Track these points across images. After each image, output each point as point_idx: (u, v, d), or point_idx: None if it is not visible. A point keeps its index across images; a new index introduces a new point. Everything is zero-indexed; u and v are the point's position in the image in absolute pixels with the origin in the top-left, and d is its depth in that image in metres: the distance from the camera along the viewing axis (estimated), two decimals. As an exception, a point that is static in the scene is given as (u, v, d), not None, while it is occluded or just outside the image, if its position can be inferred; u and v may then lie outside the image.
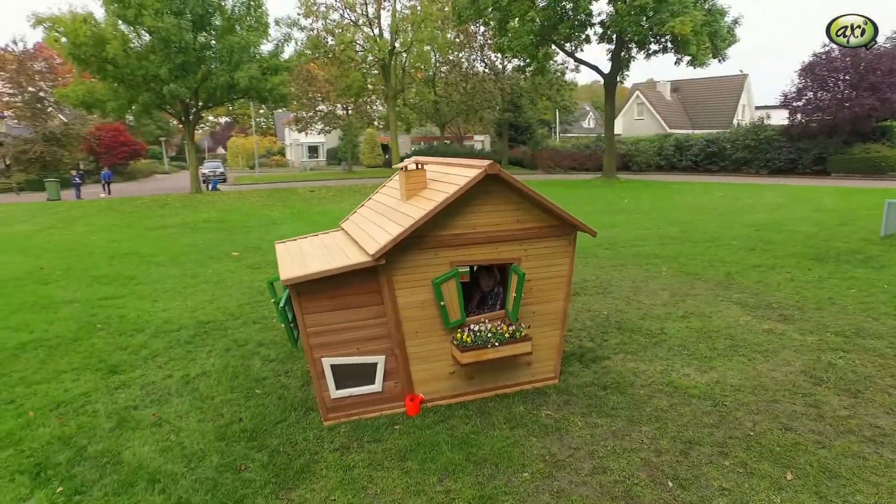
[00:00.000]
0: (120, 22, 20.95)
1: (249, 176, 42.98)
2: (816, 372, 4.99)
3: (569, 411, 4.49)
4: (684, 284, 7.95)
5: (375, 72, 28.42)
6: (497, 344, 4.50)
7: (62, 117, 38.04)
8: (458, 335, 4.51)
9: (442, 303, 4.44)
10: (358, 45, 26.82)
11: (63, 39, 19.99)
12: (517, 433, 4.17)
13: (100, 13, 21.76)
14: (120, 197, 26.17)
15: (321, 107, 41.55)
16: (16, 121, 36.75)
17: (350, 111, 41.87)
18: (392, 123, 29.85)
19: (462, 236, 4.49)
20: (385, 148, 54.28)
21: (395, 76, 28.79)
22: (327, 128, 42.20)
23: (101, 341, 6.36)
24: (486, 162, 4.39)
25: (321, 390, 4.42)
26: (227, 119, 73.15)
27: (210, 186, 29.78)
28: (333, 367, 4.40)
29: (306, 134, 47.88)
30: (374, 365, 4.50)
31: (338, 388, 4.44)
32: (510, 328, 4.59)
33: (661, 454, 3.82)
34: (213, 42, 22.76)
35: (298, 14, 25.46)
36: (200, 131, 73.34)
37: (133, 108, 23.43)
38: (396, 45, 27.19)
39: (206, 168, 37.11)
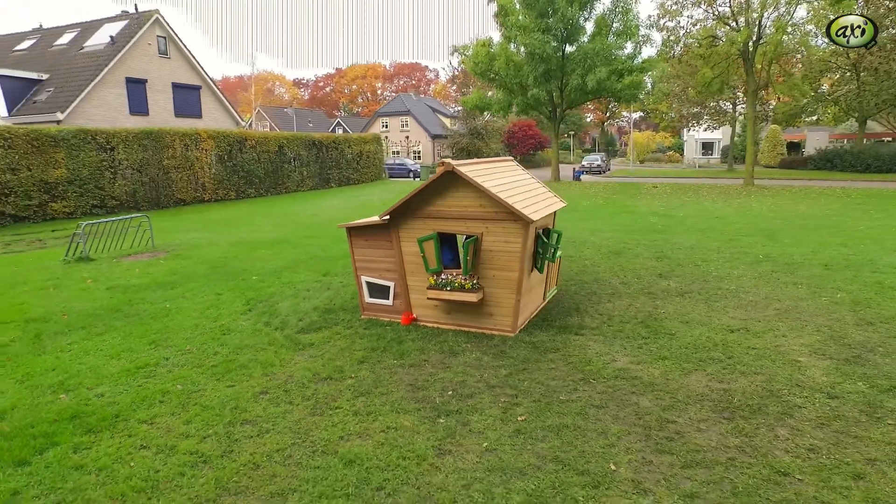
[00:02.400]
0: (508, 42, 26.75)
1: (624, 170, 45.31)
2: None
3: (484, 353, 6.00)
4: (818, 313, 6.96)
5: (734, 65, 26.33)
6: (449, 289, 6.38)
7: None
8: (430, 279, 6.58)
9: (422, 254, 6.59)
10: (716, 39, 25.55)
11: (464, 59, 27.24)
12: (432, 354, 6.10)
13: (497, 38, 28.10)
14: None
15: (712, 102, 39.96)
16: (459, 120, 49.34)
17: (739, 106, 38.85)
18: (749, 122, 27.08)
19: (442, 212, 6.49)
20: (793, 146, 47.34)
21: (757, 69, 26.03)
22: (714, 124, 40.41)
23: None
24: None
25: (361, 296, 7.28)
26: (639, 114, 76.34)
27: (574, 176, 33.84)
28: (367, 282, 7.18)
29: (704, 130, 46.65)
30: (389, 287, 7.05)
31: (370, 296, 7.21)
32: (466, 282, 6.35)
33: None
34: (574, 51, 26.24)
35: (656, 15, 26.05)
36: (612, 125, 78.80)
37: (512, 109, 29.38)
38: (764, 28, 24.52)
39: (586, 160, 41.43)
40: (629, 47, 26.51)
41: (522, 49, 26.34)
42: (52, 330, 7.10)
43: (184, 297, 8.49)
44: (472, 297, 6.31)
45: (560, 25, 25.04)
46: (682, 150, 59.81)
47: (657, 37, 29.03)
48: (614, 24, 26.39)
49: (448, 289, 6.40)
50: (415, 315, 6.93)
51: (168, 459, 4.05)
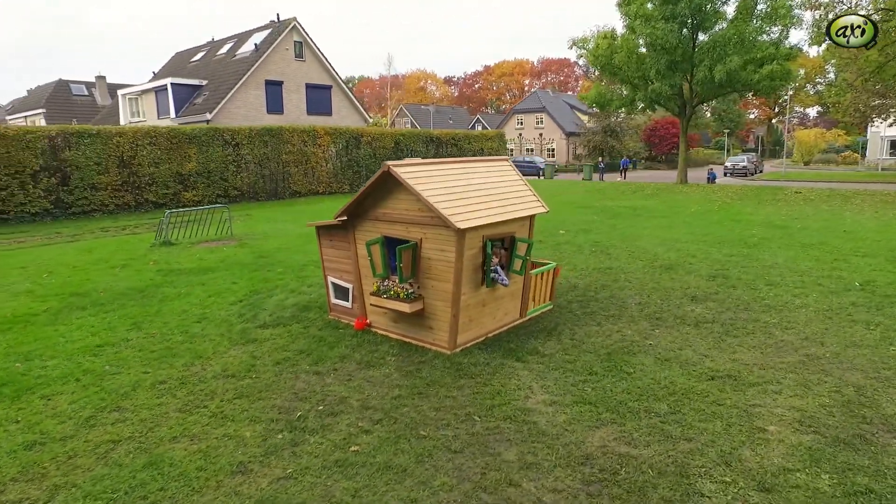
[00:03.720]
0: (630, 32, 24.62)
1: (775, 172, 39.35)
2: None
3: (399, 369, 5.53)
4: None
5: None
6: (386, 297, 5.98)
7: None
8: (374, 284, 6.23)
9: (369, 257, 6.26)
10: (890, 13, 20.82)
11: (583, 53, 25.58)
12: (348, 364, 5.78)
13: (621, 28, 25.97)
14: (624, 182, 30.72)
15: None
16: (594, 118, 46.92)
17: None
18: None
19: (388, 215, 6.11)
20: None
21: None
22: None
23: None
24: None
25: (328, 296, 7.15)
26: (816, 109, 66.03)
27: (708, 179, 30.27)
28: (332, 283, 7.03)
29: (891, 125, 38.94)
30: (348, 289, 6.83)
31: (335, 297, 7.05)
32: (401, 290, 5.91)
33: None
34: (706, 39, 23.23)
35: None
36: (782, 122, 69.16)
37: (636, 104, 27.03)
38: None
39: (730, 161, 36.88)
40: (774, 32, 22.83)
41: (645, 40, 24.09)
42: (80, 304, 8.03)
43: (203, 283, 9.09)
44: (404, 307, 5.85)
45: (687, 11, 22.37)
46: (863, 150, 50.34)
47: (807, 17, 24.74)
48: (759, 6, 22.91)
49: (385, 296, 6.01)
50: (368, 321, 6.64)
51: (17, 436, 4.30)
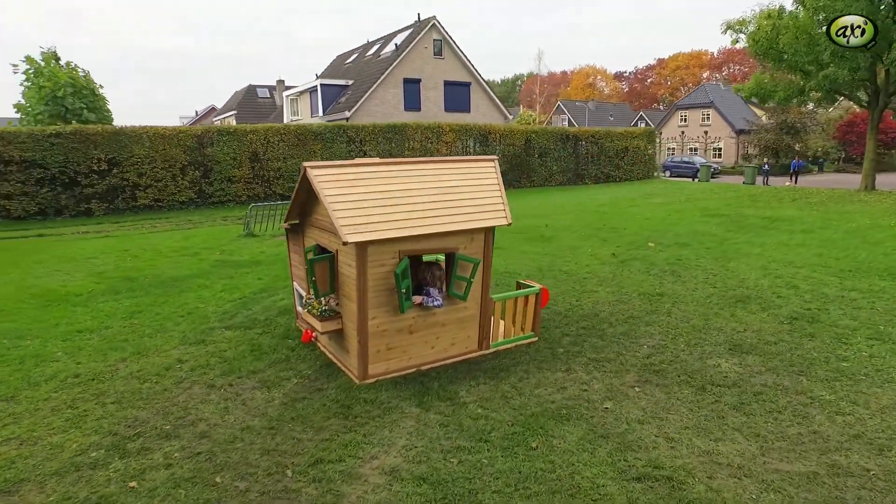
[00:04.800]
0: (804, 9, 20.25)
1: None
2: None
3: (281, 393, 4.88)
4: None
5: None
6: (307, 311, 5.37)
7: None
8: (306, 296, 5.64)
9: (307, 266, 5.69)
10: None
11: (742, 37, 21.62)
12: (249, 382, 5.27)
13: (790, 5, 21.50)
14: (793, 187, 25.76)
15: None
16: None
17: None
18: None
19: (318, 220, 5.48)
20: None
21: None
22: None
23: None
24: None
25: (294, 302, 6.73)
26: None
27: (917, 186, 23.91)
28: (296, 289, 6.60)
29: None
30: (303, 297, 6.33)
31: (299, 304, 6.61)
32: (319, 306, 5.25)
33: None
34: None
35: None
36: None
37: (804, 94, 22.22)
38: None
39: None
40: None
41: (821, 15, 19.66)
42: (119, 289, 8.73)
43: (232, 277, 9.34)
44: (315, 324, 5.19)
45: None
46: None
47: None
48: None
49: (307, 310, 5.40)
50: (314, 334, 6.08)
51: None
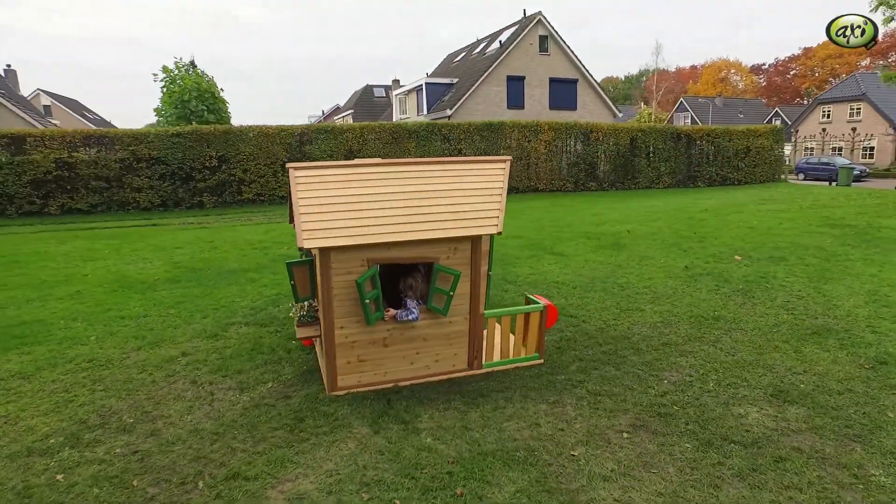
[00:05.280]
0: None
1: None
2: None
3: (252, 398, 4.77)
4: None
5: None
6: (293, 314, 5.25)
7: None
8: (299, 298, 5.52)
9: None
10: None
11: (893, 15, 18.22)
12: (231, 381, 5.25)
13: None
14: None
15: None
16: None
17: None
18: None
19: (309, 221, 5.32)
20: None
21: None
22: None
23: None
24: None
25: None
26: None
27: None
28: (307, 289, 6.53)
29: None
30: (308, 299, 6.24)
31: (309, 305, 6.55)
32: (299, 311, 5.10)
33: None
34: None
35: None
36: None
37: None
38: None
39: None
40: None
41: None
42: (180, 278, 9.35)
43: (282, 272, 9.60)
44: (296, 330, 5.04)
45: None
46: None
47: None
48: None
49: (292, 313, 5.29)
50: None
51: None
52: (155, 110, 25.76)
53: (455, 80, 32.50)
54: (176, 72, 25.81)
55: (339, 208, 4.64)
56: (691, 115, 54.15)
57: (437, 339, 4.98)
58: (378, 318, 4.69)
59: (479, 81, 29.37)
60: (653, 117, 54.02)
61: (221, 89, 26.85)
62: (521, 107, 30.43)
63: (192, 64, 28.23)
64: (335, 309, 4.60)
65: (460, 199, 4.95)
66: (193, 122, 24.13)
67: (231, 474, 3.64)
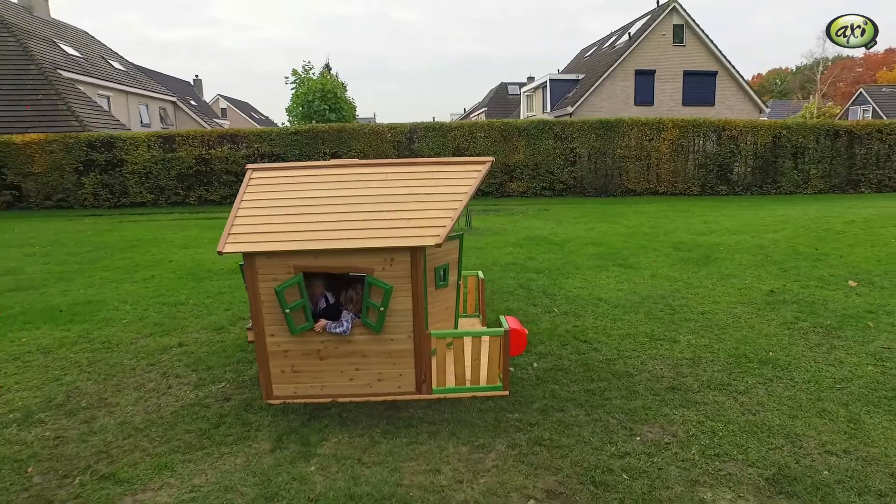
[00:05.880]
0: None
1: None
2: None
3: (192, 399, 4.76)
4: None
5: None
6: (252, 316, 5.19)
7: None
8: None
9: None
10: None
11: None
12: (188, 379, 5.31)
13: None
14: None
15: None
16: None
17: None
18: None
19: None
20: None
21: None
22: None
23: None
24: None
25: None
26: None
27: None
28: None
29: None
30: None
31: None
32: (256, 312, 5.01)
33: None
34: None
35: None
36: None
37: None
38: None
39: None
40: None
41: None
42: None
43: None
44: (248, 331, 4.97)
45: None
46: None
47: None
48: None
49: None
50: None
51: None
52: (286, 110, 28.14)
53: (581, 77, 30.98)
54: (304, 74, 27.90)
55: (279, 212, 4.46)
56: (872, 108, 45.75)
57: (378, 357, 4.58)
58: (306, 328, 4.43)
59: (602, 77, 27.67)
60: (816, 111, 46.67)
61: (346, 89, 28.47)
62: (650, 103, 28.10)
63: (327, 66, 30.23)
64: (264, 316, 4.43)
65: (413, 205, 4.50)
66: (313, 121, 25.89)
67: (109, 474, 3.63)
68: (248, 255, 4.29)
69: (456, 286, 5.55)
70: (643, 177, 22.82)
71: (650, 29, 27.37)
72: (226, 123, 50.84)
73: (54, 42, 28.33)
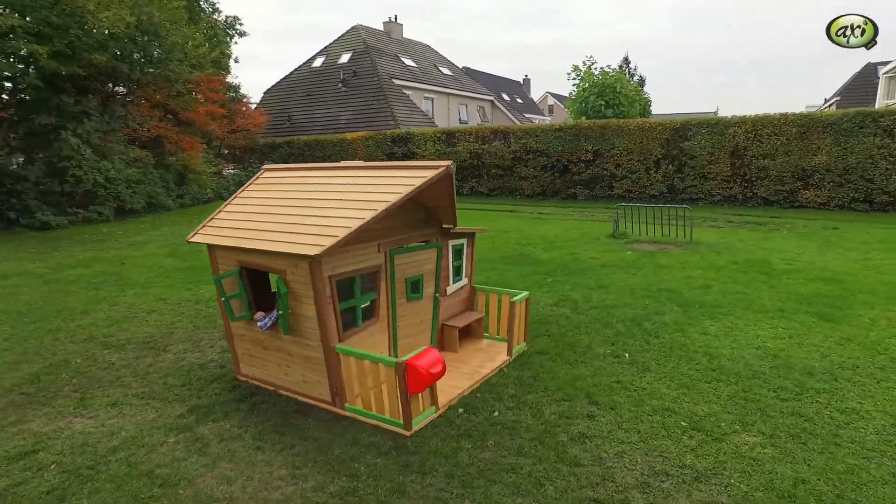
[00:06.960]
0: None
1: None
2: None
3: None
4: None
5: None
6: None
7: None
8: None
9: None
10: None
11: None
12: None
13: None
14: None
15: None
16: None
17: None
18: None
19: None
20: None
21: None
22: None
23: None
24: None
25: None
26: None
27: None
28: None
29: None
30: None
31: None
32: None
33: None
34: None
35: None
36: None
37: None
38: None
39: None
40: None
41: None
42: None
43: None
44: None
45: None
46: None
47: None
48: None
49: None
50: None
51: None
52: (566, 105, 27.96)
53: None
54: (584, 70, 27.24)
55: (252, 210, 5.01)
56: None
57: (299, 360, 4.69)
58: (244, 318, 4.86)
59: None
60: None
61: (636, 84, 26.64)
62: None
63: (626, 60, 29.02)
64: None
65: (330, 212, 4.47)
66: (582, 118, 25.10)
67: (20, 417, 4.67)
68: (210, 247, 4.95)
69: (433, 299, 5.16)
70: None
71: None
72: (547, 119, 53.64)
73: (397, 56, 34.78)
